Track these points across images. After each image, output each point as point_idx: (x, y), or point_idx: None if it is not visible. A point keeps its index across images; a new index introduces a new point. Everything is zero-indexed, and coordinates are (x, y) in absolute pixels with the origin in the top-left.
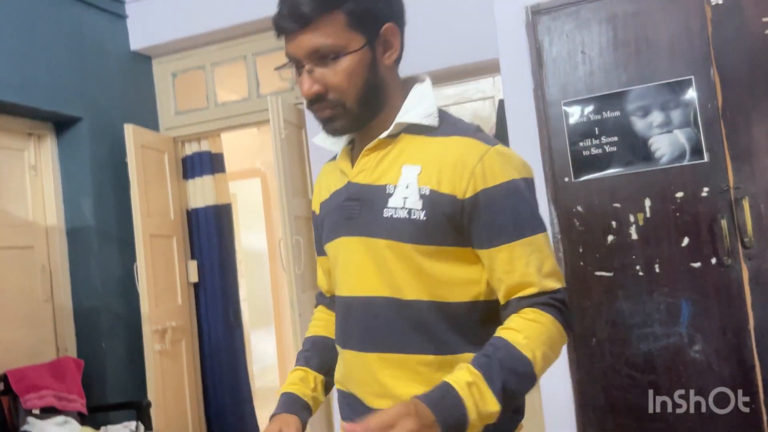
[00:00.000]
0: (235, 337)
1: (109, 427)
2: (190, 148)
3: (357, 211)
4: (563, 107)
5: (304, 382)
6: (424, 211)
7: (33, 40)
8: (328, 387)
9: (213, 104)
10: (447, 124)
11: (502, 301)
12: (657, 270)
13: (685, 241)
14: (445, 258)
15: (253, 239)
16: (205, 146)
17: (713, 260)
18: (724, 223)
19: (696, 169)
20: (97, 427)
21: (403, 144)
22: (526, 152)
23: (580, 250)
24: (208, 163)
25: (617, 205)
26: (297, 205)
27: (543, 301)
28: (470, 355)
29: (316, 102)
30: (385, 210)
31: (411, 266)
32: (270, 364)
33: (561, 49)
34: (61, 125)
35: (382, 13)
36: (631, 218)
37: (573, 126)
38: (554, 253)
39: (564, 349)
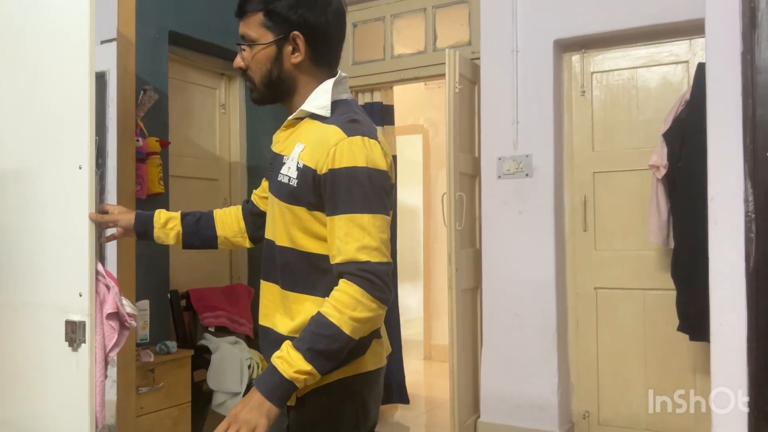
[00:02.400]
0: None
1: None
2: (363, 99)
3: (272, 173)
4: None
5: (161, 215)
6: (297, 180)
7: None
8: (179, 237)
9: (389, 56)
10: (336, 115)
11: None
12: None
13: None
14: (310, 218)
15: (409, 195)
16: (377, 97)
17: None
18: None
19: None
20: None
21: (303, 126)
22: (725, 121)
23: None
24: (379, 115)
25: None
26: (463, 161)
27: (350, 270)
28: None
29: (242, 74)
30: (279, 175)
31: (284, 220)
32: (415, 318)
33: None
34: None
35: (292, 22)
36: None
37: None
38: (383, 233)
39: (740, 337)
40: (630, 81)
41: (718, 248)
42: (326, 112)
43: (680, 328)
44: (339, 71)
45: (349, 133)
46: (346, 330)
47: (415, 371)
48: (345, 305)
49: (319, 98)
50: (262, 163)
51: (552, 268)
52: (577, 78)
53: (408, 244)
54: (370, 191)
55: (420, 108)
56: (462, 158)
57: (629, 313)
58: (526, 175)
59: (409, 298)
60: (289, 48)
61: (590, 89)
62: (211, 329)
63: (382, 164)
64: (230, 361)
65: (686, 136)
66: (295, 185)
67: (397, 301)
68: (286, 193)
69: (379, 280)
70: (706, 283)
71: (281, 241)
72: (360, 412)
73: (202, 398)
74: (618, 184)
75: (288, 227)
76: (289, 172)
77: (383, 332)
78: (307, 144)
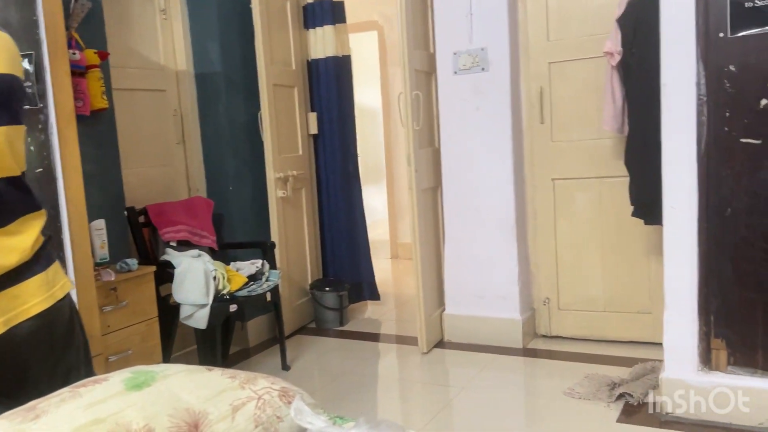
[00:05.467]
0: (353, 187)
1: (238, 263)
2: None
3: None
4: None
5: None
6: None
7: None
8: None
9: None
10: None
11: None
12: None
13: None
14: None
15: (367, 95)
16: None
17: None
18: None
19: None
20: (227, 263)
21: None
22: (678, 1)
23: (727, 114)
24: (329, 13)
25: None
26: (418, 58)
27: None
28: None
29: None
30: None
31: None
32: (379, 219)
33: None
34: None
35: None
36: None
37: None
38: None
39: (691, 218)
40: None
41: (670, 133)
42: None
43: (634, 214)
44: None
45: None
46: None
47: (383, 270)
48: None
49: None
50: (211, 70)
51: (510, 163)
52: None
53: (369, 146)
54: None
55: (372, 2)
56: (417, 55)
57: (586, 201)
58: (482, 69)
59: (374, 199)
60: None
61: None
62: (173, 244)
63: None
64: (194, 273)
65: (640, 20)
66: None
67: (362, 203)
68: None
69: None
70: (659, 169)
71: None
72: None
73: (170, 312)
74: (574, 73)
75: None
76: None
77: None
78: None
